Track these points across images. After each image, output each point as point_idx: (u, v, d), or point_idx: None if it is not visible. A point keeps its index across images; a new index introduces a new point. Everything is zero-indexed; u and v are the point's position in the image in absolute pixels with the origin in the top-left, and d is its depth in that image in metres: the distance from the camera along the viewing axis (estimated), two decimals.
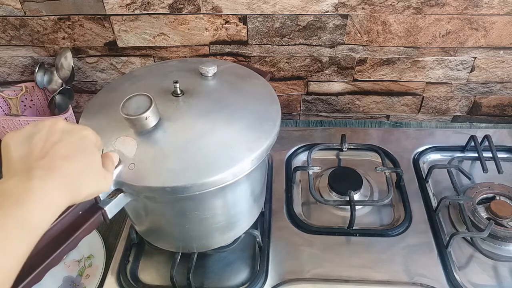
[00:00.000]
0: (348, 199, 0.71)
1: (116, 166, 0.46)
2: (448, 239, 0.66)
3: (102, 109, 0.56)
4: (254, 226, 0.66)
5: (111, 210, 0.47)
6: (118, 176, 0.47)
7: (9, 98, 0.85)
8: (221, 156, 0.48)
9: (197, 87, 0.56)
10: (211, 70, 0.57)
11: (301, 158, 0.85)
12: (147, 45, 0.84)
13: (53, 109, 0.84)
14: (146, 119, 0.47)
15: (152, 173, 0.47)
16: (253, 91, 0.58)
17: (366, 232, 0.70)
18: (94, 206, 0.46)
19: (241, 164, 0.48)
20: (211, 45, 0.83)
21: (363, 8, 0.76)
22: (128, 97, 0.48)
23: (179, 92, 0.54)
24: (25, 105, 0.89)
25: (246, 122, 0.52)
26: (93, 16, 0.80)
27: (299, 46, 0.83)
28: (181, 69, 0.61)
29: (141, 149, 0.48)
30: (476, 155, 0.78)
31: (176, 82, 0.53)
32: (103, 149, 0.48)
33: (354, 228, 0.69)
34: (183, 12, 0.79)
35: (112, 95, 0.58)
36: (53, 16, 0.81)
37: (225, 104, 0.54)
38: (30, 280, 0.40)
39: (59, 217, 0.41)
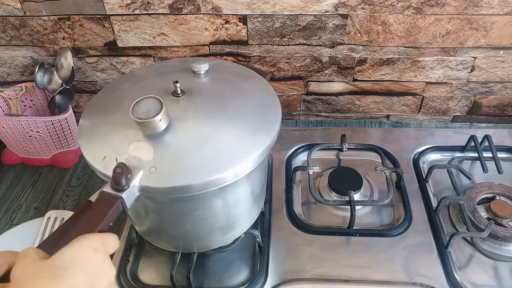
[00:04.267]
0: (348, 199, 0.71)
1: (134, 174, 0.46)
2: (448, 239, 0.66)
3: (102, 110, 0.56)
4: (254, 226, 0.66)
5: None
6: (141, 182, 0.46)
7: (9, 98, 0.85)
8: (222, 155, 0.48)
9: (197, 87, 0.56)
10: (203, 67, 0.58)
11: (301, 158, 0.85)
12: (147, 45, 0.84)
13: (53, 109, 0.84)
14: (160, 120, 0.47)
15: (175, 173, 0.47)
16: (253, 91, 0.58)
17: (366, 232, 0.70)
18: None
19: (242, 164, 0.48)
20: (211, 45, 0.83)
21: (363, 8, 0.76)
22: (136, 100, 0.48)
23: (179, 92, 0.54)
24: (25, 105, 0.89)
25: (246, 122, 0.53)
26: (93, 16, 0.80)
27: (299, 46, 0.83)
28: (181, 69, 0.61)
29: (157, 152, 0.48)
30: (476, 155, 0.78)
31: (176, 82, 0.53)
32: (116, 158, 0.48)
33: (354, 228, 0.69)
34: (183, 12, 0.79)
35: (113, 95, 0.58)
36: (53, 16, 0.81)
37: (226, 104, 0.54)
38: None
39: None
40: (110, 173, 0.46)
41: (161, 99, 0.47)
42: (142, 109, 0.47)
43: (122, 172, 0.44)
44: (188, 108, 0.53)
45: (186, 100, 0.54)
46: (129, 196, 0.45)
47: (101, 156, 0.49)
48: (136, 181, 0.46)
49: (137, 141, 0.49)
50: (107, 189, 0.45)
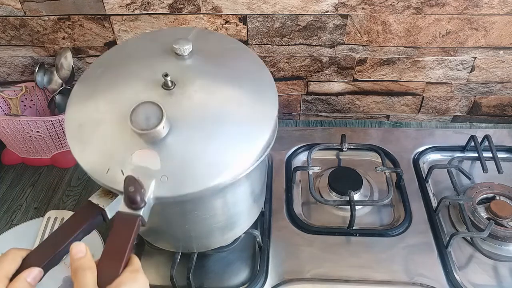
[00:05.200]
0: (348, 199, 0.71)
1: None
2: (448, 239, 0.66)
3: (87, 107, 0.51)
4: (254, 226, 0.65)
5: (110, 210, 0.47)
6: (155, 193, 0.44)
7: (9, 98, 0.85)
8: (228, 155, 0.47)
9: (186, 74, 0.51)
10: (186, 49, 0.52)
11: (301, 158, 0.85)
12: None
13: (53, 109, 0.84)
14: (163, 128, 0.44)
15: (187, 179, 0.45)
16: (246, 75, 0.54)
17: (366, 232, 0.70)
18: (94, 206, 0.46)
19: (248, 162, 0.47)
20: None
21: (363, 8, 0.76)
22: (133, 108, 0.44)
23: (170, 84, 0.49)
24: (25, 105, 0.89)
25: (244, 117, 0.50)
26: (93, 16, 0.80)
27: (299, 46, 0.83)
28: (162, 51, 0.55)
29: (163, 157, 0.45)
30: (476, 155, 0.78)
31: (166, 76, 0.48)
32: (122, 171, 0.45)
33: (354, 228, 0.69)
34: (183, 12, 0.79)
35: (93, 89, 0.53)
36: (53, 16, 0.81)
37: (221, 96, 0.51)
38: None
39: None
40: (119, 187, 0.44)
41: (159, 105, 0.44)
42: (140, 116, 0.43)
43: (136, 190, 0.43)
44: (182, 104, 0.49)
45: (179, 93, 0.49)
46: (146, 211, 0.44)
47: (104, 168, 0.46)
48: (150, 193, 0.44)
49: (140, 149, 0.45)
50: (123, 209, 0.43)
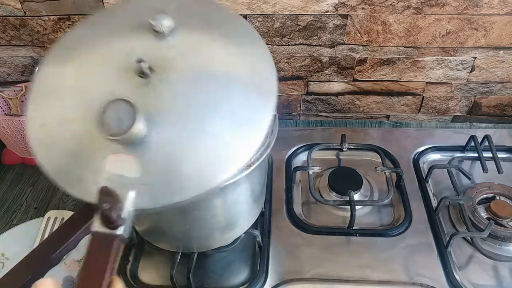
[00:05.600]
0: (348, 199, 0.71)
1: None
2: (448, 239, 0.66)
3: (49, 96, 0.43)
4: (254, 226, 0.66)
5: None
6: (135, 205, 0.37)
7: (9, 98, 0.85)
8: (219, 152, 0.40)
9: (167, 57, 0.42)
10: (166, 27, 0.42)
11: (301, 158, 0.85)
12: None
13: None
14: (140, 130, 0.36)
15: (173, 186, 0.38)
16: (237, 53, 0.45)
17: (366, 232, 0.70)
18: (94, 206, 0.46)
19: (242, 161, 0.40)
20: None
21: (363, 8, 0.76)
22: (103, 109, 0.37)
23: (146, 71, 0.40)
24: (25, 105, 0.89)
25: (237, 106, 0.41)
26: None
27: (299, 46, 0.83)
28: (136, 27, 0.44)
29: (143, 162, 0.38)
30: (476, 155, 0.78)
31: (140, 62, 0.39)
32: (95, 180, 0.38)
33: (354, 228, 0.69)
34: None
35: (55, 74, 0.44)
36: (53, 16, 0.81)
37: (208, 82, 0.42)
38: (30, 280, 0.40)
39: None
40: (92, 199, 0.37)
41: (131, 101, 0.36)
42: (111, 118, 0.36)
43: (112, 207, 0.36)
44: (163, 94, 0.40)
45: (158, 80, 0.40)
46: (126, 226, 0.37)
47: (74, 178, 0.39)
48: (129, 206, 0.37)
49: (113, 153, 0.38)
50: (99, 228, 0.37)
